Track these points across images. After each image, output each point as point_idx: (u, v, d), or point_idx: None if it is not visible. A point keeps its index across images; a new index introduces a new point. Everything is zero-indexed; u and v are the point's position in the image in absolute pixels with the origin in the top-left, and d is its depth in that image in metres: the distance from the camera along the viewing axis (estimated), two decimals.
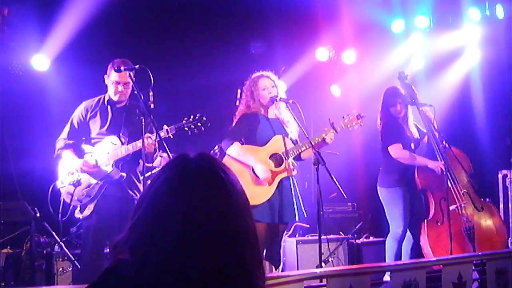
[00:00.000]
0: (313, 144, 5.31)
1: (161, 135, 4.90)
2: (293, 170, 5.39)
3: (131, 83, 5.07)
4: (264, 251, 5.40)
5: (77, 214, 5.12)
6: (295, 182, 5.45)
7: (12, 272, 5.86)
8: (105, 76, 5.26)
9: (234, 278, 1.37)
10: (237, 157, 5.31)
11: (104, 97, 5.33)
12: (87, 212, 5.06)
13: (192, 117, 5.16)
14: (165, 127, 5.06)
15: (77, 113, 5.31)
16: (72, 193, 5.08)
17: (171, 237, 1.35)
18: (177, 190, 1.41)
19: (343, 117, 5.62)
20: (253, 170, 5.28)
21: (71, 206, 5.11)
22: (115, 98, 5.24)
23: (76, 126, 5.28)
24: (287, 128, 5.50)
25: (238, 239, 1.40)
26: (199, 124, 5.15)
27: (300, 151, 5.41)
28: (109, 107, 5.28)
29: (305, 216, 5.49)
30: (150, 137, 4.93)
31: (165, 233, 1.36)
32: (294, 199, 5.36)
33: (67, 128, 5.29)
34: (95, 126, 5.25)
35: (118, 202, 5.09)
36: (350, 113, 5.64)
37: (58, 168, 5.28)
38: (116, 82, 5.17)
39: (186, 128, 5.13)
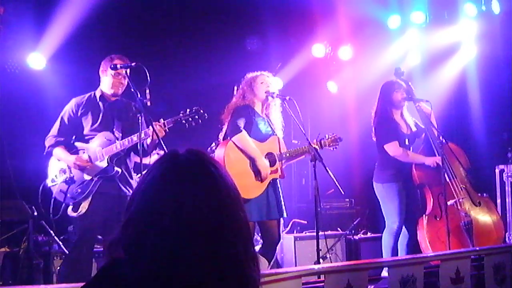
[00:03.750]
0: (308, 148, 5.44)
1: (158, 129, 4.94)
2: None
3: (127, 78, 5.08)
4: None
5: (71, 213, 5.04)
6: (278, 181, 5.53)
7: (10, 271, 5.86)
8: (102, 70, 5.25)
9: (227, 271, 1.37)
10: (244, 146, 5.32)
11: (95, 93, 5.31)
12: (82, 210, 5.00)
13: (189, 110, 5.21)
14: (162, 120, 5.07)
15: (68, 110, 5.27)
16: (66, 191, 5.04)
17: (163, 234, 1.35)
18: (166, 186, 1.41)
19: (325, 136, 5.79)
20: (251, 163, 5.30)
21: (63, 205, 5.06)
22: (111, 91, 5.22)
23: (67, 123, 5.23)
24: (273, 127, 5.55)
25: (230, 232, 1.40)
26: (196, 117, 5.20)
27: (293, 155, 5.50)
28: (100, 103, 5.27)
29: (285, 216, 5.55)
30: (159, 124, 4.97)
31: (157, 230, 1.36)
32: (280, 196, 5.44)
33: (57, 125, 5.25)
34: (87, 123, 5.21)
35: (113, 199, 5.07)
36: (331, 134, 5.82)
37: (48, 166, 5.24)
38: (116, 74, 5.15)
39: (184, 121, 5.17)
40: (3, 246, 5.94)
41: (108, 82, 5.23)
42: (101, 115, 5.22)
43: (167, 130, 5.06)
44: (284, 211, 5.44)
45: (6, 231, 5.80)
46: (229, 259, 1.38)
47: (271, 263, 5.45)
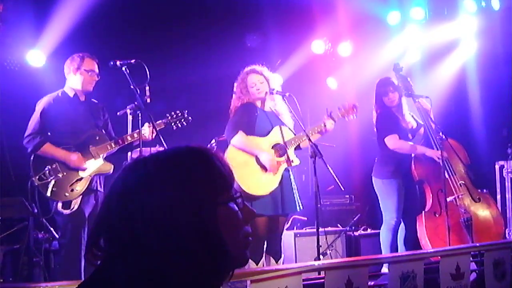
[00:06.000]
0: (312, 133, 5.38)
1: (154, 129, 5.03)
2: (293, 161, 5.40)
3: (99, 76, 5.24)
4: (265, 244, 5.42)
5: (62, 210, 5.01)
6: (291, 173, 5.46)
7: (10, 268, 5.86)
8: (71, 69, 5.26)
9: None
10: (242, 146, 5.30)
11: (65, 92, 5.31)
12: (74, 206, 5.00)
13: (174, 113, 5.34)
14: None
15: (44, 107, 5.17)
16: (59, 189, 4.99)
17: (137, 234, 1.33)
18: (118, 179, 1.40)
19: (339, 108, 5.71)
20: (257, 159, 5.29)
21: (54, 203, 5.02)
22: (84, 89, 5.26)
23: (45, 119, 5.13)
24: (283, 120, 5.51)
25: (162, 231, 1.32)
26: (182, 120, 5.45)
27: (301, 141, 5.43)
28: (74, 101, 5.28)
29: (301, 208, 5.50)
30: (150, 126, 5.08)
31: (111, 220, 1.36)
32: (293, 190, 5.38)
33: (35, 123, 5.11)
34: (62, 123, 5.16)
35: (94, 193, 5.19)
36: (345, 104, 5.73)
37: (31, 163, 5.04)
38: (91, 71, 5.23)
39: (172, 124, 5.31)
40: (3, 244, 5.94)
41: (80, 80, 5.25)
42: (76, 114, 5.23)
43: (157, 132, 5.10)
44: (298, 205, 5.39)
45: (6, 228, 5.80)
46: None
47: (279, 262, 5.41)
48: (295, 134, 5.48)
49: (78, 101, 5.29)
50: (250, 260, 5.12)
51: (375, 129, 6.38)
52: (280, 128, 5.43)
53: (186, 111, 5.54)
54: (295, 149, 5.50)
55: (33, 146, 5.03)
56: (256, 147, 5.31)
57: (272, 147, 5.39)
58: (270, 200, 5.21)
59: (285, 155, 5.36)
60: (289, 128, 5.52)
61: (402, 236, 6.23)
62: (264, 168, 5.27)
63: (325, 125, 5.52)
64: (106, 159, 5.23)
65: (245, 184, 5.05)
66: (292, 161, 5.39)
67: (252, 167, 5.26)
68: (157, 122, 5.21)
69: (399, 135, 6.17)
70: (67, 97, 5.28)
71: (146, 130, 5.15)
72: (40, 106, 5.19)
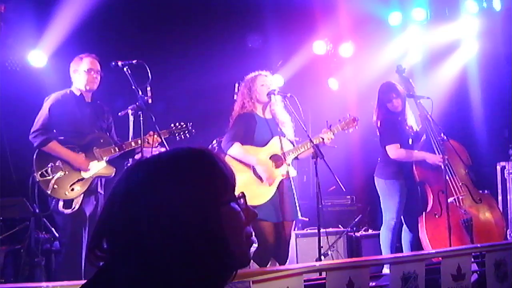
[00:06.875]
0: (308, 147, 5.38)
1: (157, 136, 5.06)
2: (290, 173, 5.42)
3: (100, 74, 5.26)
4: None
5: (63, 209, 5.04)
6: (292, 180, 5.47)
7: (11, 268, 5.86)
8: (72, 70, 5.33)
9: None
10: (238, 157, 5.31)
11: (72, 91, 5.36)
12: (75, 206, 5.04)
13: (178, 124, 5.45)
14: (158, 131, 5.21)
15: (52, 104, 5.23)
16: (59, 187, 5.03)
17: (139, 235, 1.32)
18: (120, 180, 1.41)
19: (339, 120, 5.70)
20: (253, 170, 5.29)
21: (53, 200, 5.05)
22: (87, 88, 5.29)
23: (52, 117, 5.18)
24: (283, 129, 5.51)
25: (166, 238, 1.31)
26: (186, 132, 5.54)
27: (299, 152, 5.44)
28: (80, 101, 5.33)
29: (300, 217, 5.54)
30: (153, 134, 5.11)
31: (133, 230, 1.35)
32: (294, 198, 5.40)
33: (42, 119, 5.17)
34: (68, 121, 5.23)
35: (95, 195, 5.24)
36: (346, 116, 5.71)
37: (34, 159, 5.07)
38: (89, 70, 5.25)
39: (176, 134, 5.35)
40: (4, 244, 5.94)
41: (82, 80, 5.28)
42: (84, 114, 5.29)
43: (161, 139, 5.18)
44: (299, 212, 5.42)
45: (8, 228, 5.80)
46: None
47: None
48: (294, 146, 5.49)
49: (84, 102, 5.33)
50: (256, 265, 5.13)
51: (377, 132, 6.37)
52: (280, 139, 5.44)
53: (191, 123, 5.59)
54: (294, 158, 5.51)
55: (40, 141, 5.06)
56: (252, 158, 5.33)
57: (270, 158, 5.40)
58: (271, 208, 5.22)
59: (284, 166, 5.36)
60: (289, 140, 5.53)
61: (407, 238, 6.24)
62: (260, 178, 5.28)
63: (323, 139, 5.49)
64: (109, 162, 5.25)
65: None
66: (289, 172, 5.40)
67: (248, 178, 5.27)
68: (162, 131, 5.23)
69: (401, 143, 6.17)
70: (74, 96, 5.33)
71: (150, 138, 5.18)
72: (49, 102, 5.24)
